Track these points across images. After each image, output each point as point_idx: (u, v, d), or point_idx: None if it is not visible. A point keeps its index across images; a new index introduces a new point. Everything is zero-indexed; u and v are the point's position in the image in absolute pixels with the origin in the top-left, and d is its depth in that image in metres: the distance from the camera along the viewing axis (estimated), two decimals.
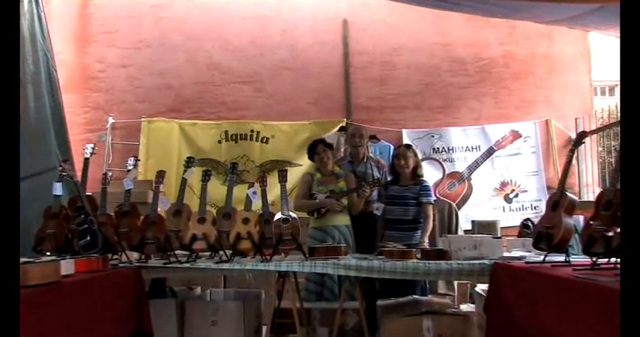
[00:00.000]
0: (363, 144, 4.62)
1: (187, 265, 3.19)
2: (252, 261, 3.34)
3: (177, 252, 3.43)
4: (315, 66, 6.23)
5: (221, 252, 3.44)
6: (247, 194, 3.50)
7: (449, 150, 6.14)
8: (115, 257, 3.35)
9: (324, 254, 3.33)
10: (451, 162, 6.14)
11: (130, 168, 3.96)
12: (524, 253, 3.37)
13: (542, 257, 2.94)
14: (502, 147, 6.12)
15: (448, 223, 4.94)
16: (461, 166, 6.13)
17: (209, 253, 3.58)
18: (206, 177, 3.63)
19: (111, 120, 6.15)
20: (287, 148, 6.06)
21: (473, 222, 4.48)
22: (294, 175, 5.50)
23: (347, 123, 5.96)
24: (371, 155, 4.82)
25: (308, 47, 6.24)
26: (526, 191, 6.06)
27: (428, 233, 4.20)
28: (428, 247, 3.93)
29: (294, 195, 4.67)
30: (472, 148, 6.15)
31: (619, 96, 2.32)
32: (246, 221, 3.38)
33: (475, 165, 6.12)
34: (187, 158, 3.93)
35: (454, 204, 5.29)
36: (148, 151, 6.13)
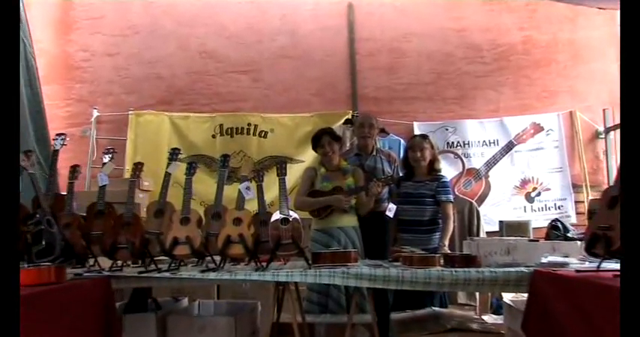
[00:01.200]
0: (372, 135, 4.10)
1: (167, 274, 2.67)
2: (245, 269, 2.81)
3: (159, 258, 2.93)
4: (318, 53, 5.79)
5: (209, 259, 2.93)
6: (239, 189, 2.97)
7: (464, 144, 5.66)
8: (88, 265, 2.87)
9: (331, 261, 2.80)
10: (467, 157, 5.66)
11: (105, 161, 3.44)
12: (565, 259, 2.84)
13: (591, 264, 2.46)
14: (522, 142, 5.63)
15: (469, 224, 4.42)
16: (477, 162, 5.65)
17: (196, 260, 3.07)
18: (191, 169, 3.10)
19: (95, 113, 5.73)
20: (287, 143, 5.57)
21: (500, 222, 3.97)
22: (294, 173, 5.02)
23: (353, 116, 5.51)
24: (380, 147, 4.28)
25: (310, 33, 5.81)
26: (549, 189, 5.55)
27: (449, 235, 3.70)
28: (450, 252, 3.41)
29: (294, 194, 4.13)
30: (490, 143, 5.67)
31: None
32: (237, 221, 2.85)
33: (493, 161, 5.64)
34: (172, 149, 3.41)
35: (475, 203, 4.75)
36: (136, 147, 5.69)
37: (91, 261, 2.96)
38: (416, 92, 5.72)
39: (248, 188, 2.91)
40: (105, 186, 3.31)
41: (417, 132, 5.47)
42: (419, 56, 5.76)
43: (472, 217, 4.46)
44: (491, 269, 2.69)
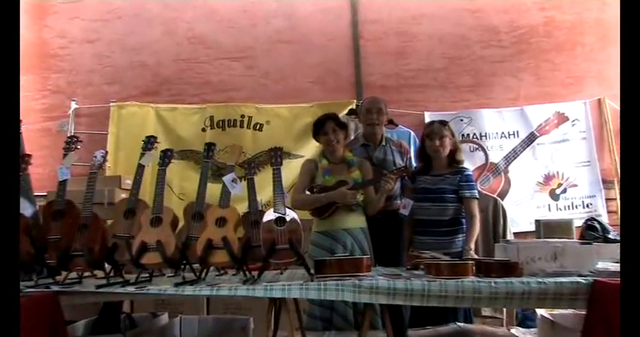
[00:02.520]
0: (381, 122, 3.56)
1: (131, 289, 2.12)
2: (231, 281, 2.27)
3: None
4: (318, 37, 5.32)
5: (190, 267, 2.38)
6: (223, 181, 2.42)
7: (481, 136, 5.12)
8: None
9: (338, 271, 2.24)
10: (481, 151, 5.08)
11: (67, 153, 2.90)
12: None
13: None
14: (545, 133, 5.10)
15: (493, 224, 3.87)
16: (496, 156, 5.10)
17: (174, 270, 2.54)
18: (165, 158, 2.56)
19: (74, 105, 5.28)
20: (285, 136, 5.03)
21: (537, 222, 3.42)
22: (293, 170, 4.46)
23: (357, 105, 4.98)
24: (390, 137, 3.73)
25: (309, 15, 5.34)
26: (576, 185, 5.00)
27: (474, 237, 3.16)
28: (478, 257, 2.87)
29: (292, 192, 3.59)
30: (509, 134, 5.13)
31: None
32: (221, 222, 2.30)
33: (513, 155, 5.10)
34: (147, 137, 2.89)
35: (500, 200, 4.20)
36: (119, 142, 5.17)
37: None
38: (427, 79, 5.23)
39: (234, 180, 2.36)
40: (65, 181, 2.79)
41: None
42: (430, 40, 5.27)
43: (497, 216, 3.91)
44: (539, 280, 2.15)
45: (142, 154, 2.83)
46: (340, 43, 5.28)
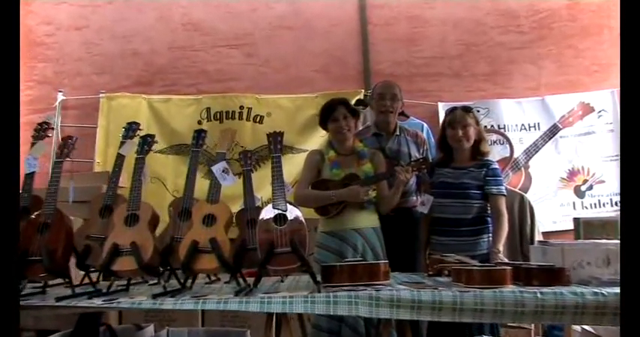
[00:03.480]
0: (395, 110, 3.19)
1: (99, 302, 1.74)
2: (222, 292, 1.89)
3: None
4: (323, 23, 4.96)
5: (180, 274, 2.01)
6: (212, 171, 2.05)
7: (499, 128, 4.74)
8: None
9: (350, 279, 1.86)
10: (502, 144, 4.71)
11: (36, 141, 2.54)
12: None
13: None
14: (569, 125, 4.72)
15: (520, 224, 3.48)
16: (515, 150, 4.72)
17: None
18: (144, 145, 2.19)
19: (61, 97, 4.93)
20: (287, 129, 4.45)
21: (576, 220, 3.03)
22: (296, 165, 4.10)
23: (365, 96, 4.65)
24: (404, 126, 3.36)
25: None
26: (603, 181, 4.62)
27: (504, 238, 2.81)
28: (519, 262, 2.49)
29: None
30: (529, 126, 4.76)
31: None
32: (209, 220, 1.92)
33: (534, 149, 4.73)
34: (127, 124, 2.54)
35: (526, 196, 3.81)
36: (108, 136, 4.82)
37: None
38: (440, 67, 4.87)
39: (226, 170, 1.98)
40: (33, 174, 2.43)
41: (442, 114, 4.58)
42: (443, 25, 4.91)
43: (523, 214, 3.52)
44: (595, 290, 1.76)
45: (122, 142, 2.49)
46: (346, 28, 4.93)
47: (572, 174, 4.68)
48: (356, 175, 2.81)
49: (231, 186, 2.10)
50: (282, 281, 2.18)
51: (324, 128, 3.00)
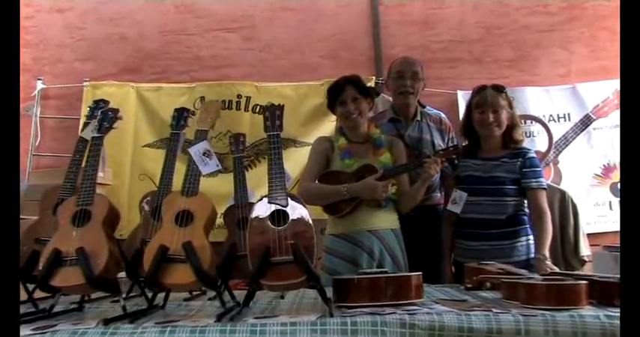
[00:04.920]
0: (417, 91, 2.76)
1: (27, 332, 1.26)
2: (198, 315, 1.42)
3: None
4: (330, 3, 4.63)
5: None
6: (190, 154, 1.60)
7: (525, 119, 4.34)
8: None
9: (372, 297, 1.39)
10: (528, 137, 4.32)
11: None
12: None
13: None
14: (603, 115, 4.34)
15: (561, 226, 3.02)
16: (543, 143, 4.33)
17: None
18: (103, 122, 1.74)
19: (40, 85, 4.57)
20: (290, 120, 4.22)
21: None
22: (300, 159, 3.70)
23: (377, 83, 4.31)
24: (427, 110, 2.92)
25: None
26: None
27: (549, 241, 2.34)
28: (561, 270, 2.03)
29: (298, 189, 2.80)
30: (559, 117, 4.40)
31: None
32: (183, 218, 1.46)
33: (564, 142, 4.36)
34: (94, 102, 2.13)
35: (569, 193, 3.37)
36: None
37: None
38: (459, 52, 4.54)
39: (207, 153, 1.52)
40: None
41: (461, 103, 4.23)
42: (462, 6, 4.58)
43: (565, 213, 3.05)
44: None
45: (86, 124, 2.06)
46: (356, 10, 4.60)
47: (608, 170, 4.29)
48: (372, 166, 2.35)
49: (214, 175, 1.65)
50: (281, 297, 1.71)
51: (332, 111, 2.55)
